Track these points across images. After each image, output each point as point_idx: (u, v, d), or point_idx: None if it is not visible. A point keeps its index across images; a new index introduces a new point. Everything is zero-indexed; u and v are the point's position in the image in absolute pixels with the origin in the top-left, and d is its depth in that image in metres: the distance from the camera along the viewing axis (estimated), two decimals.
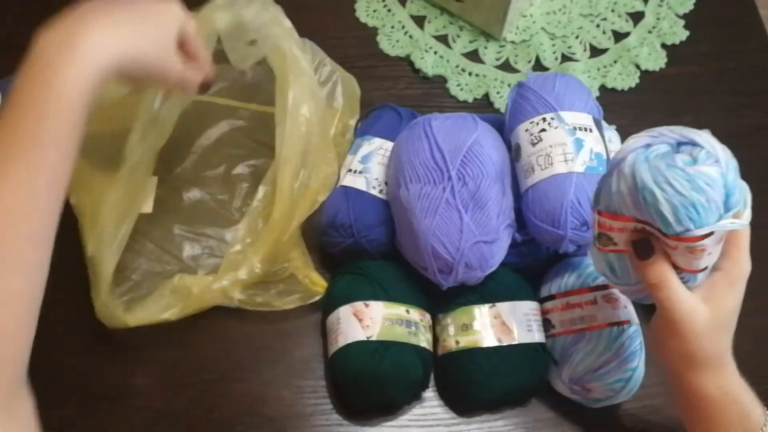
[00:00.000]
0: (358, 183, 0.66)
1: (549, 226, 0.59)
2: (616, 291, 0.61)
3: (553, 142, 0.60)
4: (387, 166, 0.67)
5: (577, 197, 0.58)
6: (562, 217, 0.59)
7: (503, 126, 0.68)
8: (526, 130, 0.62)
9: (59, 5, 0.84)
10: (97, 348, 0.65)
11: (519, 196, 0.64)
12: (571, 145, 0.60)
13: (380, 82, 0.80)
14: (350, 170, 0.67)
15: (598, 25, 0.83)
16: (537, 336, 0.61)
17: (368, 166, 0.67)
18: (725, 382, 0.52)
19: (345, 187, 0.66)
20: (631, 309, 0.62)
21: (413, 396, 0.63)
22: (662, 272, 0.48)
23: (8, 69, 0.76)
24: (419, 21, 0.83)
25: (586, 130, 0.61)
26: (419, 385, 0.62)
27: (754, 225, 0.70)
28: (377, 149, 0.68)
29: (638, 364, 0.60)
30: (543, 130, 0.61)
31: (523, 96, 0.64)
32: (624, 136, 0.72)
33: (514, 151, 0.64)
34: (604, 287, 0.61)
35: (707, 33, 0.83)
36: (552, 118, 0.61)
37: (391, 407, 0.63)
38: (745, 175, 0.72)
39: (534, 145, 0.61)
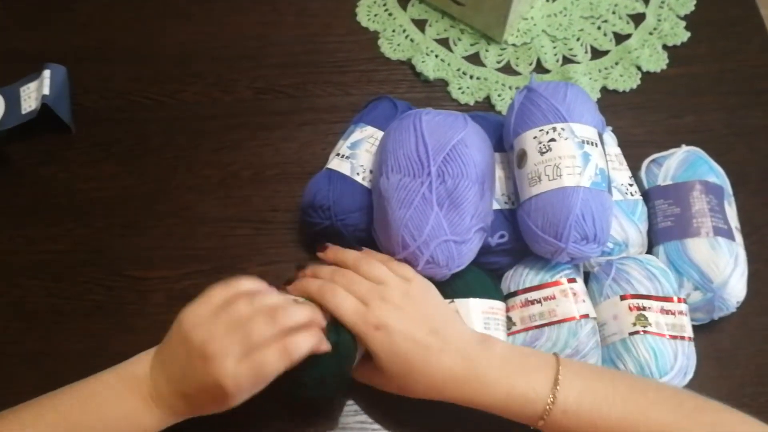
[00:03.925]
0: (343, 167, 0.67)
1: (550, 237, 0.59)
2: (575, 285, 0.62)
3: (562, 154, 0.60)
4: (374, 153, 0.67)
5: (582, 212, 0.58)
6: (565, 230, 0.59)
7: (501, 127, 0.68)
8: (535, 137, 0.62)
9: (58, 10, 0.86)
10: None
11: (499, 200, 0.64)
12: (580, 159, 0.60)
13: (381, 85, 0.80)
14: (338, 154, 0.68)
15: (599, 27, 0.83)
16: (496, 335, 0.61)
17: (356, 152, 0.68)
18: (468, 395, 0.54)
19: (330, 170, 0.67)
20: (589, 303, 0.62)
21: None
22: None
23: (9, 76, 0.78)
24: (420, 24, 0.84)
25: (592, 144, 0.61)
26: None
27: (758, 225, 0.71)
28: (368, 137, 0.68)
29: (597, 360, 0.60)
30: (553, 140, 0.61)
31: (533, 101, 0.63)
32: (626, 137, 0.73)
33: (517, 157, 0.63)
34: (561, 283, 0.61)
35: (708, 34, 0.83)
36: (563, 129, 0.61)
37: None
38: (746, 175, 0.73)
39: (542, 154, 0.61)
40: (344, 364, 0.55)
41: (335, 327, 0.55)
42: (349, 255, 0.60)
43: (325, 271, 0.59)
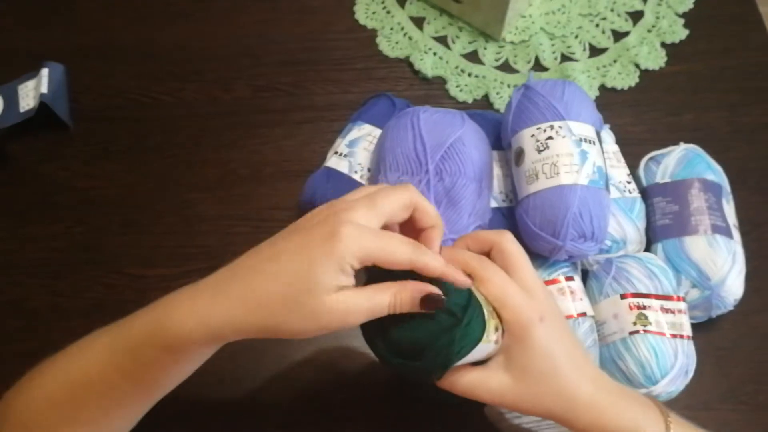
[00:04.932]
0: (341, 166, 0.67)
1: (548, 235, 0.59)
2: (572, 284, 0.62)
3: (560, 152, 0.60)
4: (372, 151, 0.67)
5: (579, 210, 0.59)
6: (563, 228, 0.59)
7: (499, 125, 0.68)
8: (532, 135, 0.62)
9: (59, 9, 0.86)
10: None
11: (496, 198, 0.63)
12: (577, 157, 0.60)
13: (379, 83, 0.80)
14: (336, 152, 0.68)
15: (597, 25, 0.83)
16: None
17: (354, 151, 0.68)
18: (594, 420, 0.48)
19: (328, 168, 0.67)
20: (586, 301, 0.62)
21: None
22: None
23: (9, 75, 0.78)
24: (418, 22, 0.84)
25: (590, 142, 0.61)
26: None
27: (756, 223, 0.71)
28: (366, 135, 0.69)
29: (595, 358, 0.60)
30: (550, 137, 0.61)
31: (530, 99, 0.64)
32: (624, 135, 0.73)
33: (515, 155, 0.63)
34: (559, 281, 0.61)
35: (707, 31, 0.83)
36: (560, 127, 0.61)
37: None
38: (745, 172, 0.73)
39: (540, 152, 0.61)
40: (456, 338, 0.44)
41: (467, 293, 0.46)
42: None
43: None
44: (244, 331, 0.42)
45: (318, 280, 0.40)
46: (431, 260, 0.43)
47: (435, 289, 0.43)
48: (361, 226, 0.42)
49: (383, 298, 0.42)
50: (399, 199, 0.45)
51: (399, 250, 0.42)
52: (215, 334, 0.42)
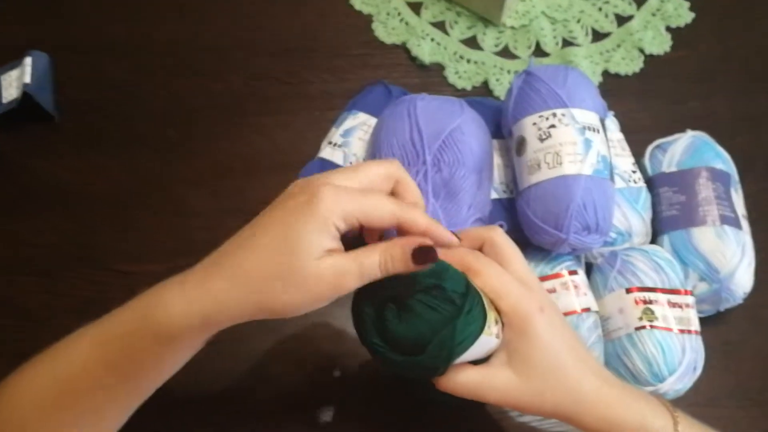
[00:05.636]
0: (335, 156, 0.66)
1: (550, 227, 0.58)
2: (576, 278, 0.60)
3: (562, 141, 0.58)
4: (368, 141, 0.66)
5: (583, 201, 0.57)
6: (566, 220, 0.57)
7: (499, 113, 0.66)
8: (534, 123, 0.60)
9: (56, 5, 0.84)
10: None
11: (497, 189, 0.62)
12: (581, 146, 0.58)
13: (376, 70, 0.78)
14: (330, 143, 0.67)
15: (600, 9, 0.81)
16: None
17: (348, 140, 0.67)
18: (602, 414, 0.46)
19: (322, 159, 0.66)
20: (590, 296, 0.60)
21: None
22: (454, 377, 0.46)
23: None
24: (415, 7, 0.81)
25: (594, 130, 0.59)
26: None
27: (765, 212, 0.69)
28: (360, 124, 0.67)
29: (599, 355, 0.59)
30: (553, 126, 0.59)
31: (531, 86, 0.62)
32: (628, 122, 0.71)
33: (516, 144, 0.62)
34: (562, 275, 0.60)
35: (713, 15, 0.81)
36: (563, 115, 0.59)
37: None
38: (752, 158, 0.71)
39: (542, 140, 0.59)
40: (458, 327, 0.43)
41: (464, 281, 0.45)
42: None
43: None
44: (237, 312, 0.41)
45: (303, 245, 0.39)
46: (418, 215, 0.42)
47: (426, 241, 0.42)
48: (341, 186, 0.41)
49: (372, 257, 0.41)
50: (381, 167, 0.44)
51: (382, 204, 0.42)
52: (207, 318, 0.41)
